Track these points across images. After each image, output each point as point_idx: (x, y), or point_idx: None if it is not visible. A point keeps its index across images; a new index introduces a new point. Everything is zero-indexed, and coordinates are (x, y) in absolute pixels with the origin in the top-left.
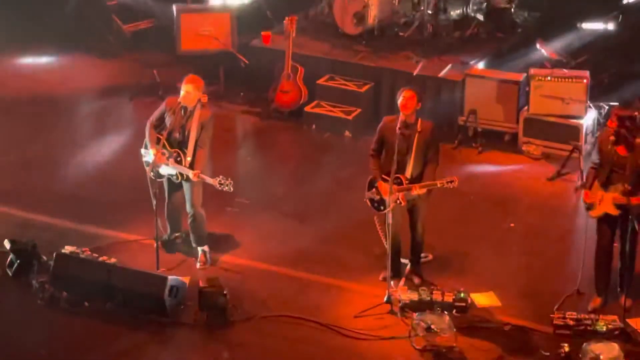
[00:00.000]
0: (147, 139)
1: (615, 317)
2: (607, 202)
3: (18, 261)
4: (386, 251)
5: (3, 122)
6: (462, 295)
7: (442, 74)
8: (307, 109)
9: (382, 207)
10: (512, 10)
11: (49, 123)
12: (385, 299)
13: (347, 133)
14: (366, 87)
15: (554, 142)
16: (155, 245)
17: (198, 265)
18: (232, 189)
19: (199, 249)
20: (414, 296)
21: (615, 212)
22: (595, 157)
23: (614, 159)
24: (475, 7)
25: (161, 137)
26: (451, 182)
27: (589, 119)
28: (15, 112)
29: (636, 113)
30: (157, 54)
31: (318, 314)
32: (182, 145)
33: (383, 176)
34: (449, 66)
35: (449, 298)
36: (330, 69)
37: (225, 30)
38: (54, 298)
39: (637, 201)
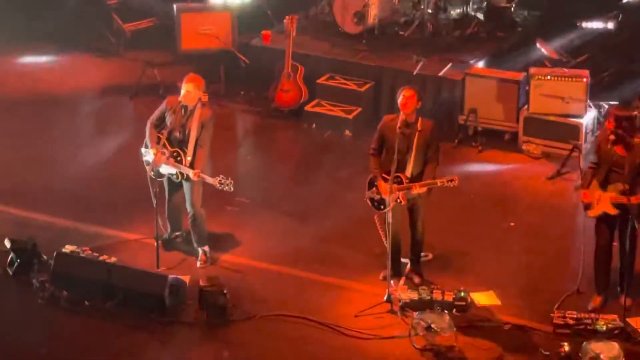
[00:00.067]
0: (147, 138)
1: (615, 316)
2: (605, 201)
3: (18, 260)
4: (386, 250)
5: (3, 121)
6: (462, 294)
7: (442, 73)
8: (308, 108)
9: (382, 206)
10: (512, 9)
11: (49, 122)
12: (385, 298)
13: (347, 132)
14: (366, 86)
15: (554, 141)
16: (155, 244)
17: (198, 264)
18: (232, 189)
19: (199, 248)
20: (414, 295)
21: (613, 211)
22: (592, 157)
23: (613, 158)
24: (475, 6)
25: (161, 136)
26: (451, 181)
27: (588, 118)
28: (15, 111)
29: (635, 113)
30: (158, 53)
31: (318, 313)
32: (182, 144)
33: (383, 175)
34: (449, 65)
35: (449, 297)
36: (330, 68)
37: (226, 30)
38: (54, 297)
39: (637, 200)
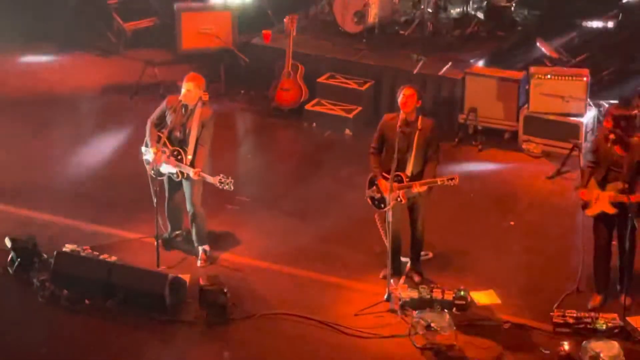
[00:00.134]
0: (147, 137)
1: (615, 315)
2: (604, 200)
3: (19, 259)
4: (386, 249)
5: (4, 120)
6: (462, 293)
7: (442, 72)
8: (308, 107)
9: (382, 205)
10: (512, 8)
11: (49, 121)
12: (385, 297)
13: (347, 131)
14: (366, 85)
15: (554, 140)
16: (155, 243)
17: (198, 263)
18: (232, 188)
19: (200, 247)
20: (414, 294)
21: (612, 210)
22: (590, 156)
23: (612, 158)
24: (475, 6)
25: (162, 135)
26: (452, 179)
27: (588, 117)
28: (16, 110)
29: (635, 112)
30: (158, 52)
31: (318, 312)
32: (182, 143)
33: (383, 174)
34: (449, 64)
35: (449, 296)
36: (330, 67)
37: (226, 29)
38: (54, 296)
39: (637, 199)
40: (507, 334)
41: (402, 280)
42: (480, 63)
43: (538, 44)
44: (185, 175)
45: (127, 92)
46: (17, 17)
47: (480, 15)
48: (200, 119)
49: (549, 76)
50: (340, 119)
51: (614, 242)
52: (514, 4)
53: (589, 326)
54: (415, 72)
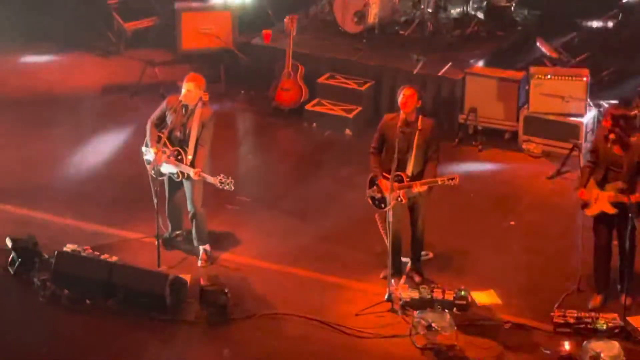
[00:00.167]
0: (148, 137)
1: (616, 315)
2: (603, 200)
3: (19, 259)
4: (387, 249)
5: (4, 120)
6: (462, 293)
7: (442, 72)
8: (308, 107)
9: (383, 205)
10: (512, 8)
11: (50, 121)
12: (385, 297)
13: (347, 131)
14: (367, 85)
15: (554, 140)
16: (156, 243)
17: (199, 263)
18: (232, 188)
19: (200, 247)
20: (415, 294)
21: (611, 210)
22: (590, 156)
23: (611, 158)
24: (475, 6)
25: (162, 135)
26: (452, 179)
27: (588, 117)
28: (16, 110)
29: (634, 112)
30: (158, 52)
31: (319, 312)
32: (183, 143)
33: (384, 174)
34: (449, 64)
35: (449, 296)
36: (330, 67)
37: (226, 29)
38: (55, 296)
39: (637, 199)
40: (508, 334)
41: (402, 280)
42: (480, 63)
43: (538, 44)
44: (186, 175)
45: (127, 92)
46: (17, 17)
47: (480, 15)
48: (201, 119)
49: (549, 76)
50: (340, 119)
51: (615, 242)
52: (514, 4)
53: (589, 326)
54: (415, 72)
